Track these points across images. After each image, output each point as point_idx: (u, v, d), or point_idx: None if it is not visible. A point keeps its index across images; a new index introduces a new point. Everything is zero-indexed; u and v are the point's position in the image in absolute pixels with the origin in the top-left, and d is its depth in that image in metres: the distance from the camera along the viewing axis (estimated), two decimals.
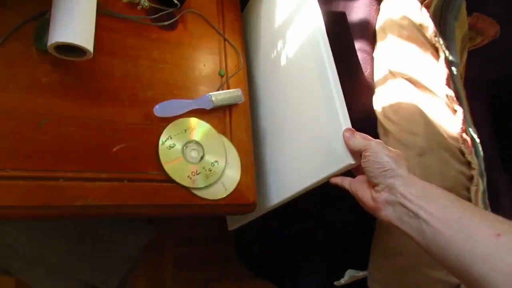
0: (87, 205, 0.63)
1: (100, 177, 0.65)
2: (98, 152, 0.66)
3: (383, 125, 0.79)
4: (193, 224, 1.19)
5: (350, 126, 0.62)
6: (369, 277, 0.79)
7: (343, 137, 0.60)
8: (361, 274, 0.82)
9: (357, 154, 0.59)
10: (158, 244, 1.12)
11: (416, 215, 0.48)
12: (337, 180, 0.63)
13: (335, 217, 0.86)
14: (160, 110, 0.73)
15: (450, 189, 0.73)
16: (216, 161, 0.76)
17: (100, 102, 0.69)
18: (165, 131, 0.73)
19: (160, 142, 0.72)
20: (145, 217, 0.69)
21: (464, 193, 0.73)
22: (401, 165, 0.53)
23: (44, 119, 0.63)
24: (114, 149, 0.68)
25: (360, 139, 0.58)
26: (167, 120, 0.74)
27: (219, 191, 0.76)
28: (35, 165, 0.61)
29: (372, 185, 0.55)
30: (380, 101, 0.82)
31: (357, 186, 0.59)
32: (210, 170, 0.75)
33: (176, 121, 0.75)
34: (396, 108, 0.78)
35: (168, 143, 0.73)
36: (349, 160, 0.60)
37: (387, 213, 0.52)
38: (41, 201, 0.60)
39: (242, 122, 0.82)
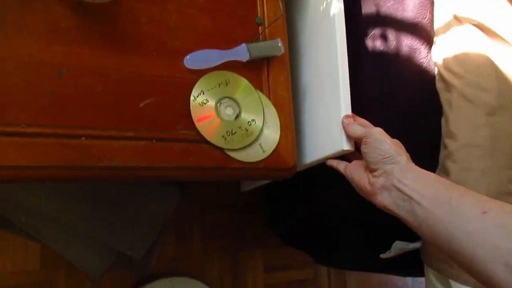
0: (112, 166, 0.57)
1: (126, 136, 0.58)
2: (123, 107, 0.59)
3: (445, 78, 0.69)
4: (221, 190, 1.13)
5: (350, 112, 0.64)
6: (422, 250, 0.71)
7: (342, 123, 0.63)
8: (411, 246, 0.74)
9: (354, 140, 0.62)
10: (186, 211, 1.07)
11: (410, 198, 0.49)
12: (333, 163, 0.67)
13: None
14: (191, 61, 0.65)
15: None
16: (253, 120, 0.68)
17: (124, 51, 0.61)
18: (196, 85, 0.65)
19: (192, 98, 0.64)
20: (175, 180, 0.62)
21: None
22: (400, 153, 0.55)
23: (62, 69, 0.56)
24: (141, 105, 0.60)
25: (359, 127, 0.61)
26: (199, 73, 0.66)
27: (257, 153, 0.68)
28: (53, 120, 0.54)
29: (370, 170, 0.57)
30: (441, 52, 0.71)
31: (352, 171, 0.61)
32: (247, 130, 0.67)
33: (208, 74, 0.67)
34: (462, 59, 0.67)
35: (200, 99, 0.65)
36: (341, 146, 0.63)
37: (383, 198, 0.54)
38: (61, 162, 0.53)
39: (281, 76, 0.73)
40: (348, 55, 0.65)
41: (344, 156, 0.68)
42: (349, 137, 0.62)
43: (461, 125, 0.66)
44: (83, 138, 0.55)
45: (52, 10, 0.57)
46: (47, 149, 0.53)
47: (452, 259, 0.45)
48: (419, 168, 0.53)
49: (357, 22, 0.74)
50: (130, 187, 0.95)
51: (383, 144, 0.56)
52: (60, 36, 0.56)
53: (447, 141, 0.68)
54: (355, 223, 0.85)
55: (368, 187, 0.56)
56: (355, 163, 0.62)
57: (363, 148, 0.58)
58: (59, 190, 0.88)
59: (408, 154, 0.56)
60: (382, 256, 0.77)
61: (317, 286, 1.22)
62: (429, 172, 0.52)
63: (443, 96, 0.69)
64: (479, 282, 0.42)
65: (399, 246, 0.74)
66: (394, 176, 0.52)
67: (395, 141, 0.57)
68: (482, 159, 0.63)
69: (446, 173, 0.68)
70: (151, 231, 0.98)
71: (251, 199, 1.17)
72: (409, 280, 1.44)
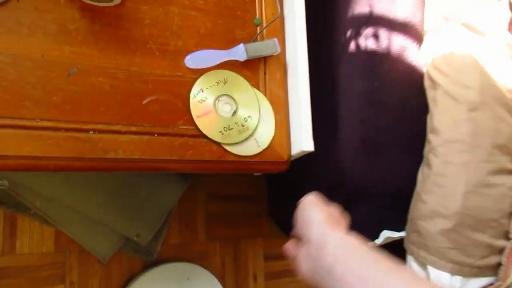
0: (118, 158, 0.62)
1: (130, 130, 0.63)
2: (128, 104, 0.64)
3: (432, 77, 0.72)
4: (224, 181, 1.18)
5: (309, 111, 0.70)
6: (406, 239, 0.76)
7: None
8: (396, 235, 0.78)
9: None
10: (190, 200, 1.13)
11: (329, 272, 0.42)
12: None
13: (366, 178, 0.82)
14: (191, 61, 0.70)
15: (503, 146, 0.67)
16: (249, 116, 0.73)
17: (129, 51, 0.65)
18: (196, 83, 0.70)
19: (191, 95, 0.69)
20: (176, 172, 0.68)
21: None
22: (331, 223, 0.48)
23: (72, 68, 0.61)
24: (144, 102, 0.65)
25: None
26: (199, 72, 0.70)
27: (252, 148, 0.73)
28: (65, 116, 0.59)
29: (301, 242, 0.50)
30: (430, 51, 0.75)
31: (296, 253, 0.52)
32: (243, 126, 0.72)
33: (208, 73, 0.71)
34: (448, 58, 0.70)
35: (200, 97, 0.70)
36: (301, 147, 0.70)
37: (306, 268, 0.48)
38: (72, 153, 0.59)
39: (277, 75, 0.77)
40: (331, 54, 0.69)
41: None
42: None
43: (444, 121, 0.69)
44: (91, 132, 0.60)
45: (62, 13, 0.62)
46: (59, 141, 0.58)
47: None
48: (350, 238, 0.45)
49: (342, 21, 0.77)
50: (138, 177, 1.00)
51: (310, 209, 0.51)
52: (70, 37, 0.62)
53: (430, 136, 0.71)
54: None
55: (296, 261, 0.50)
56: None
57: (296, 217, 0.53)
58: (72, 178, 0.95)
59: (344, 224, 0.50)
60: (370, 244, 0.82)
61: None
62: (361, 245, 0.44)
63: (429, 93, 0.73)
64: None
65: (386, 235, 0.79)
66: (313, 243, 0.46)
67: (330, 211, 0.51)
68: (462, 154, 0.67)
69: (428, 167, 0.71)
70: (158, 219, 1.04)
71: (254, 190, 1.22)
72: None
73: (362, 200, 0.82)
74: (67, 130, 0.59)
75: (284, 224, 1.18)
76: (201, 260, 1.12)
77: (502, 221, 0.67)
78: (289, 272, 1.24)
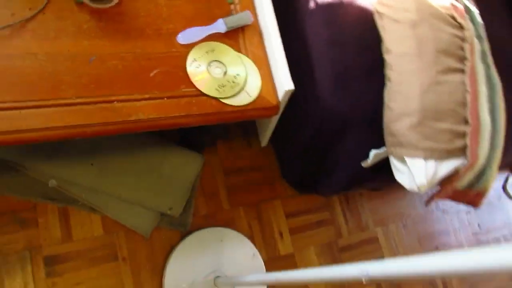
0: (139, 119, 0.78)
1: (145, 97, 0.80)
2: (139, 78, 0.81)
3: (378, 11, 0.87)
4: (237, 156, 1.34)
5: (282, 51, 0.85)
6: (386, 145, 0.88)
7: None
8: (382, 150, 0.91)
9: None
10: (209, 176, 1.28)
11: None
12: None
13: (344, 109, 0.95)
14: (182, 38, 0.87)
15: (445, 50, 0.81)
16: (237, 74, 0.89)
17: (132, 38, 0.83)
18: (189, 55, 0.87)
19: (188, 64, 0.86)
20: (187, 126, 0.83)
21: (459, 52, 0.80)
22: None
23: (92, 57, 0.78)
24: (151, 74, 0.82)
25: None
26: (190, 46, 0.87)
27: (245, 99, 0.88)
28: (93, 93, 0.77)
29: None
30: None
31: None
32: (234, 82, 0.88)
33: (197, 46, 0.88)
34: None
35: (194, 65, 0.86)
36: (283, 88, 0.85)
37: None
38: (103, 119, 0.76)
39: (254, 39, 0.94)
40: (297, 12, 0.85)
41: None
42: None
43: (392, 41, 0.83)
44: (115, 102, 0.77)
45: (77, 17, 0.80)
46: (91, 112, 0.75)
47: None
48: None
49: None
50: (160, 157, 1.17)
51: None
52: (85, 34, 0.80)
53: (385, 56, 0.86)
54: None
55: None
56: None
57: None
58: (104, 169, 1.12)
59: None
60: (363, 165, 0.95)
61: (334, 224, 1.40)
62: None
63: (379, 24, 0.87)
64: None
65: (374, 153, 0.92)
66: None
67: None
68: (412, 62, 0.80)
69: (389, 80, 0.85)
70: (184, 193, 1.19)
71: (264, 159, 1.37)
72: (419, 206, 1.59)
73: (346, 131, 0.96)
74: (95, 103, 0.76)
75: (296, 182, 1.32)
76: (230, 225, 1.26)
77: (458, 109, 0.80)
78: (311, 225, 1.37)
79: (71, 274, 1.09)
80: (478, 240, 1.72)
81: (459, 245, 1.66)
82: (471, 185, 0.83)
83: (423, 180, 0.78)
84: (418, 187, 0.79)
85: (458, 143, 0.80)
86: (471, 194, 0.87)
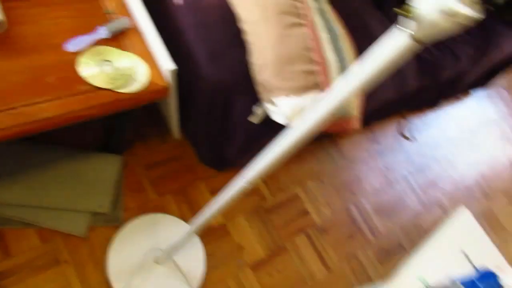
0: (48, 117, 0.92)
1: (47, 99, 0.94)
2: (40, 84, 0.95)
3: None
4: (153, 151, 1.49)
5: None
6: (259, 94, 1.09)
7: None
8: (265, 105, 1.12)
9: None
10: (132, 174, 1.42)
11: None
12: None
13: (222, 77, 1.16)
14: (71, 46, 1.02)
15: (285, 11, 1.05)
16: (126, 67, 1.05)
17: (26, 55, 0.97)
18: (81, 59, 1.02)
19: (80, 67, 1.01)
20: (92, 117, 0.98)
21: (297, 11, 1.03)
22: None
23: None
24: (49, 80, 0.97)
25: None
26: (80, 53, 1.02)
27: (137, 86, 1.05)
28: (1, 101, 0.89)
29: None
30: None
31: None
32: (124, 74, 1.04)
33: (87, 51, 1.04)
34: None
35: (86, 66, 1.01)
36: (167, 67, 0.95)
37: None
38: (16, 122, 0.89)
39: (135, 38, 1.11)
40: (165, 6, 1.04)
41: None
42: None
43: (243, 11, 1.06)
44: (22, 107, 0.90)
45: None
46: (3, 118, 0.88)
47: None
48: None
49: None
50: (82, 163, 1.29)
51: None
52: None
53: (240, 25, 1.08)
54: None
55: None
56: None
57: None
58: (29, 181, 1.22)
59: None
60: (252, 120, 1.15)
61: (257, 191, 1.60)
62: None
63: (232, 1, 1.09)
64: None
65: (257, 108, 1.13)
66: None
67: None
68: (259, 26, 1.03)
69: (248, 43, 1.07)
70: (110, 190, 1.32)
71: (182, 150, 1.54)
72: (330, 162, 1.85)
73: (232, 96, 1.16)
74: (4, 110, 0.89)
75: (212, 161, 1.50)
76: (160, 211, 1.40)
77: (305, 53, 1.03)
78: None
79: (18, 286, 1.16)
80: (388, 180, 2.00)
81: (372, 188, 1.93)
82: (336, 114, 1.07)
83: (290, 112, 1.00)
84: (288, 119, 1.00)
85: (312, 79, 1.03)
86: (341, 123, 1.11)
